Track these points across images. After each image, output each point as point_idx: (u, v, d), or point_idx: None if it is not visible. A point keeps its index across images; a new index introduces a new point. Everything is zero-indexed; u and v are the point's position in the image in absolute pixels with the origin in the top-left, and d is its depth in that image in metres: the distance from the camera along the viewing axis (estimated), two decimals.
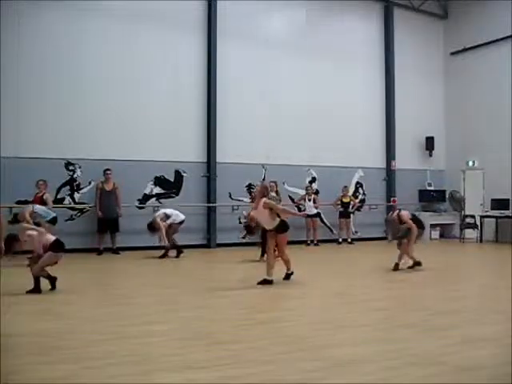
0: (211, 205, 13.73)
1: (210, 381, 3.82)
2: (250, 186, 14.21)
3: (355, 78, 16.07)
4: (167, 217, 11.39)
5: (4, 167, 11.35)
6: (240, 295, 7.27)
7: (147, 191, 13.25)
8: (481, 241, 15.46)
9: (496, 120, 15.96)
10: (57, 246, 7.24)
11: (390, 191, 16.54)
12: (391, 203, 16.11)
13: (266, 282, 7.87)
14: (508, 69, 15.59)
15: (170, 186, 13.51)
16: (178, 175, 13.57)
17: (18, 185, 11.34)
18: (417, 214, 11.75)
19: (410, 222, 9.43)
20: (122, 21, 12.91)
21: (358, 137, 15.95)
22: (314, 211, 14.51)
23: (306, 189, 14.75)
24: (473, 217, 15.56)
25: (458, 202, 16.65)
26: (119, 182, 12.27)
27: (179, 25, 13.66)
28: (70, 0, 12.29)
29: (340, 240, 15.06)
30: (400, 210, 9.90)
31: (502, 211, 15.09)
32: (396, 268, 9.39)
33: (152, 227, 11.26)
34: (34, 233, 7.28)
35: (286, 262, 8.27)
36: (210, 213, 13.77)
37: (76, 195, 12.47)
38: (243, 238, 13.60)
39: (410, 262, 9.53)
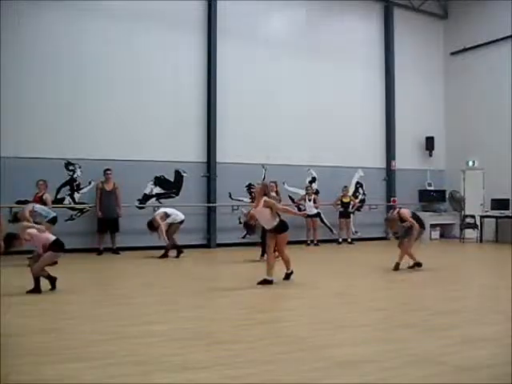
0: (211, 205, 13.73)
1: (210, 381, 3.82)
2: (249, 186, 14.21)
3: (355, 78, 16.07)
4: (167, 216, 11.39)
5: (4, 167, 11.37)
6: (240, 295, 7.26)
7: (147, 191, 13.25)
8: (481, 241, 15.46)
9: (496, 120, 15.96)
10: (57, 246, 7.24)
11: (390, 191, 16.55)
12: (391, 203, 16.11)
13: (265, 282, 7.87)
14: (508, 69, 15.59)
15: (170, 186, 13.51)
16: (178, 175, 13.57)
17: (18, 185, 11.34)
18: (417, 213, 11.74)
19: (411, 219, 9.42)
20: (122, 21, 12.92)
21: (357, 137, 15.95)
22: (314, 211, 14.51)
23: (306, 189, 14.75)
24: (473, 217, 15.56)
25: (457, 202, 16.65)
26: (119, 182, 12.27)
27: (179, 25, 13.66)
28: (70, 0, 12.30)
29: (340, 240, 15.06)
30: (400, 208, 9.89)
31: (502, 211, 15.09)
32: (396, 268, 9.39)
33: (152, 226, 11.27)
34: (34, 231, 7.29)
35: (286, 262, 8.27)
36: (210, 213, 13.78)
37: (76, 195, 12.48)
38: (243, 237, 13.64)
39: (411, 262, 9.53)
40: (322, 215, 15.19)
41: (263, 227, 8.66)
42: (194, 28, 13.82)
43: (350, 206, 15.25)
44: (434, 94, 17.57)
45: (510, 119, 15.46)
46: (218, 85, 13.83)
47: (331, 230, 15.45)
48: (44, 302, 6.62)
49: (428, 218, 15.30)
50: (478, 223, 15.50)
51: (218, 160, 13.81)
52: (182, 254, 11.51)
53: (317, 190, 15.27)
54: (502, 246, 14.42)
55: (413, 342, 4.80)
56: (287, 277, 8.29)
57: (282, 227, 8.00)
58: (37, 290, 7.06)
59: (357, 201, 15.80)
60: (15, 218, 9.63)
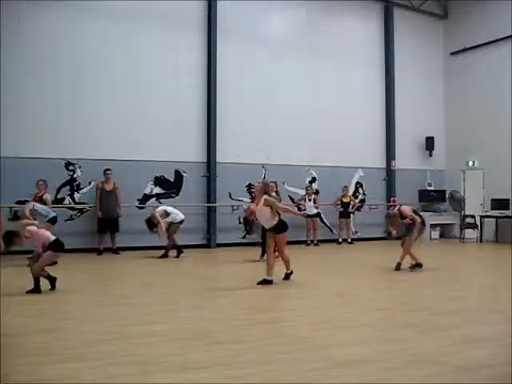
0: (211, 205, 13.73)
1: (210, 381, 3.82)
2: (249, 186, 14.21)
3: (355, 78, 16.07)
4: (167, 214, 11.37)
5: (4, 167, 11.37)
6: (240, 295, 7.26)
7: (147, 191, 13.25)
8: (481, 241, 15.46)
9: (496, 120, 15.96)
10: (56, 246, 7.24)
11: (390, 191, 16.55)
12: (391, 203, 16.10)
13: (265, 282, 7.87)
14: (508, 69, 15.59)
15: (170, 186, 13.51)
16: (178, 175, 13.57)
17: (18, 185, 11.34)
18: None
19: (413, 214, 9.40)
20: (122, 21, 12.92)
21: (357, 137, 15.95)
22: (314, 211, 14.51)
23: (306, 189, 14.75)
24: (473, 217, 15.56)
25: (457, 202, 16.65)
26: (119, 182, 12.27)
27: (179, 25, 13.66)
28: (70, 0, 12.30)
29: (340, 240, 15.06)
30: (401, 205, 9.88)
31: (502, 211, 15.09)
32: (398, 268, 9.37)
33: (150, 223, 11.23)
34: (35, 228, 7.30)
35: (286, 262, 8.26)
36: (210, 213, 13.78)
37: (76, 195, 12.48)
38: (243, 238, 13.65)
39: (412, 262, 9.50)
40: (322, 215, 15.19)
41: (263, 227, 8.65)
42: (193, 28, 13.83)
43: (350, 206, 15.25)
44: (434, 94, 17.57)
45: (510, 119, 15.46)
46: (218, 85, 13.83)
47: (331, 230, 15.45)
48: (44, 302, 6.62)
49: (428, 218, 15.17)
50: (478, 223, 15.50)
51: (218, 160, 13.82)
52: (182, 254, 11.51)
53: (317, 190, 15.27)
54: (502, 245, 14.42)
55: (413, 342, 4.80)
56: (287, 277, 8.28)
57: (281, 227, 8.00)
58: (37, 290, 7.06)
59: (357, 201, 15.80)
60: (15, 217, 9.64)
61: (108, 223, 12.11)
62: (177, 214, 11.52)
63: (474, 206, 16.14)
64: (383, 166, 16.64)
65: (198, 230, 13.66)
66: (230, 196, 14.10)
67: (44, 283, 7.17)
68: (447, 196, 16.96)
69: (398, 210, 9.54)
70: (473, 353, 4.51)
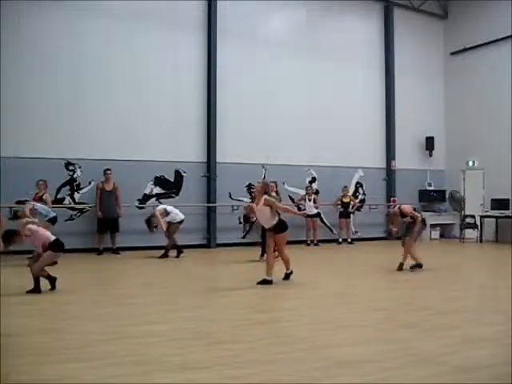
0: (211, 205, 13.73)
1: (210, 381, 3.82)
2: (249, 186, 14.21)
3: (355, 78, 16.07)
4: (167, 213, 11.38)
5: (4, 167, 11.37)
6: (240, 295, 7.26)
7: (147, 191, 13.25)
8: (481, 241, 15.46)
9: (496, 120, 15.96)
10: (56, 246, 7.24)
11: (390, 191, 16.55)
12: (391, 203, 16.10)
13: (265, 282, 7.87)
14: (508, 69, 15.59)
15: (170, 186, 13.51)
16: (178, 175, 13.57)
17: (18, 185, 11.34)
18: None
19: (413, 212, 9.40)
20: (122, 21, 12.91)
21: (357, 137, 15.95)
22: (314, 211, 14.51)
23: (306, 189, 14.75)
24: (473, 217, 15.56)
25: (457, 202, 16.66)
26: (119, 181, 12.27)
27: (179, 25, 13.65)
28: (70, 0, 12.30)
29: (340, 240, 15.06)
30: (401, 205, 9.88)
31: (502, 211, 15.09)
32: (400, 268, 9.37)
33: (150, 221, 11.26)
34: (35, 227, 7.31)
35: (286, 262, 8.26)
36: (210, 213, 13.78)
37: (76, 195, 12.47)
38: (243, 237, 13.65)
39: (413, 262, 9.50)
40: (322, 215, 15.18)
41: (263, 227, 8.65)
42: (194, 28, 13.82)
43: (350, 206, 15.25)
44: (434, 94, 17.57)
45: (510, 119, 15.46)
46: (218, 85, 13.83)
47: (331, 230, 15.44)
48: (44, 302, 6.62)
49: (428, 218, 15.21)
50: (478, 223, 15.50)
51: (218, 160, 13.82)
52: (182, 254, 11.51)
53: (317, 190, 15.27)
54: (502, 245, 14.42)
55: (413, 342, 4.80)
56: (287, 277, 8.28)
57: (281, 227, 8.00)
58: (36, 289, 7.06)
59: (357, 201, 15.80)
60: (15, 216, 9.65)
61: (108, 223, 12.11)
62: (177, 214, 11.53)
63: (474, 206, 16.14)
64: (383, 166, 16.64)
65: (197, 229, 13.66)
66: (230, 196, 14.10)
67: (44, 283, 7.17)
68: (447, 196, 16.97)
69: (399, 208, 9.56)
70: (473, 353, 4.51)
